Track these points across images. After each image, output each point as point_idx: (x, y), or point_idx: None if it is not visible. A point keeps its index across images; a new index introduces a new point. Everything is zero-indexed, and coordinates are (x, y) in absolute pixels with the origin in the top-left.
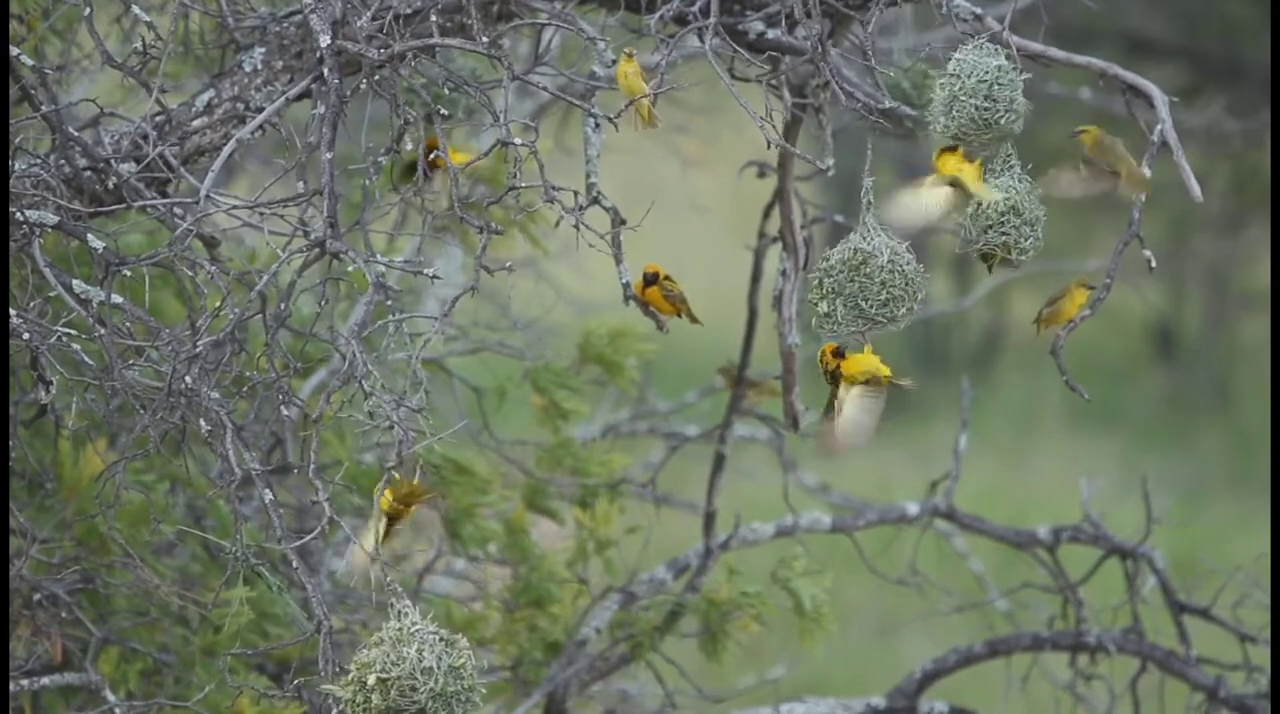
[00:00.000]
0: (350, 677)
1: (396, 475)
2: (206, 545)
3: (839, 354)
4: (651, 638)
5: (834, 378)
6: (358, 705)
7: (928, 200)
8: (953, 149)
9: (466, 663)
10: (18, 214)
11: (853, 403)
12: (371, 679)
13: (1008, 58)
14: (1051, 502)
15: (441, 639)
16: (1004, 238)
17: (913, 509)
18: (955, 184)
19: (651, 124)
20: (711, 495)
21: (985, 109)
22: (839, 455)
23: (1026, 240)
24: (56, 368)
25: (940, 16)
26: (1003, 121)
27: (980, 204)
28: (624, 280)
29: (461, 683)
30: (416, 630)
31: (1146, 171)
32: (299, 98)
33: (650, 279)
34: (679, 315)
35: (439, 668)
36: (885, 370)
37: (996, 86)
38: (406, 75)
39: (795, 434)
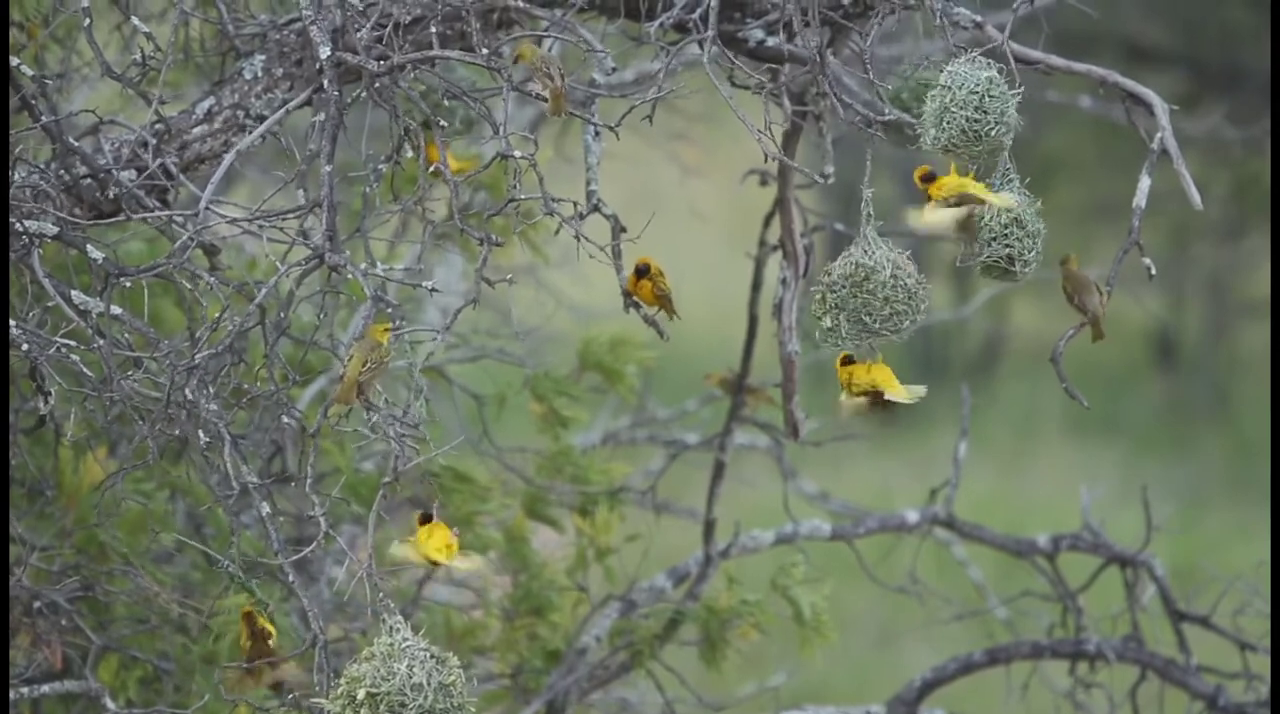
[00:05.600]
0: (340, 690)
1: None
2: (206, 553)
3: (929, 178)
4: (651, 646)
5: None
6: None
7: (934, 221)
8: (932, 179)
9: (457, 681)
10: (17, 224)
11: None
12: (361, 694)
13: (1000, 70)
14: (1051, 509)
15: (432, 656)
16: (1008, 250)
17: (913, 517)
18: (964, 201)
19: (559, 112)
20: (711, 503)
21: (976, 121)
22: None
23: (1030, 252)
24: (55, 378)
25: (938, 25)
26: (993, 133)
27: (984, 218)
28: (624, 288)
29: (451, 701)
30: (408, 646)
31: (1105, 300)
32: (299, 107)
33: (642, 271)
34: (660, 310)
35: (429, 685)
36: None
37: (987, 98)
38: (406, 86)
39: (795, 442)
